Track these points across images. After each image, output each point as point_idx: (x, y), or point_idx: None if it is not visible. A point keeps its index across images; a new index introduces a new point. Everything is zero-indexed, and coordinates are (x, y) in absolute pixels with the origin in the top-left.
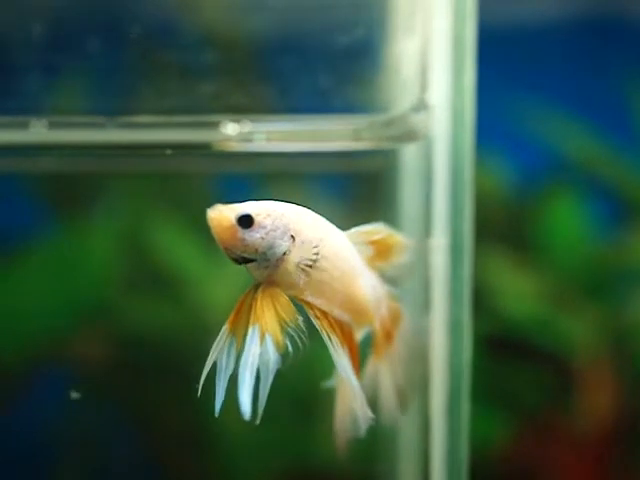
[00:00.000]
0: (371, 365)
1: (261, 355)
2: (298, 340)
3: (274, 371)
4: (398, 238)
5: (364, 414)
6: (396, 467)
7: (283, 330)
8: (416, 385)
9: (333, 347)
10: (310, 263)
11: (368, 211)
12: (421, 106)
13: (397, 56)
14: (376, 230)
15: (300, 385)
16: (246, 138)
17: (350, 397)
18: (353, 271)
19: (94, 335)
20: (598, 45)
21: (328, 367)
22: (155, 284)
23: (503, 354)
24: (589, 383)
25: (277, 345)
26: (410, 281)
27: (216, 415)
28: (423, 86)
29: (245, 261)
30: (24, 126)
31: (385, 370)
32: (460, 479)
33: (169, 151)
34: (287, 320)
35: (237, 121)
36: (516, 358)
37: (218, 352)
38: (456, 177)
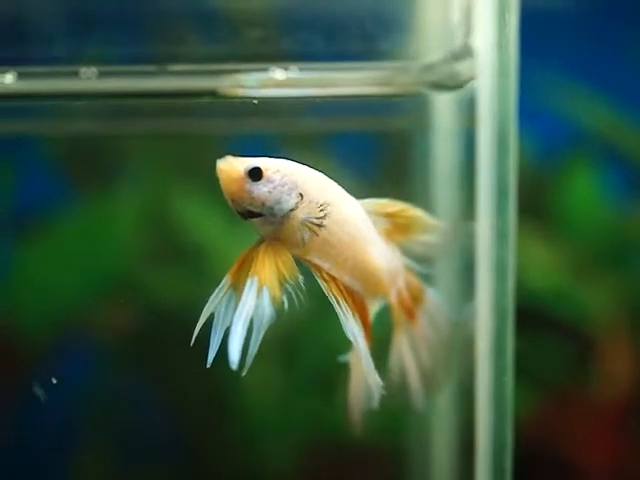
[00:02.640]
0: (396, 343)
1: (257, 307)
2: (295, 297)
3: (267, 325)
4: (418, 213)
5: (374, 382)
6: (428, 440)
7: (282, 286)
8: (449, 369)
9: (341, 311)
10: (316, 222)
11: (398, 175)
12: (464, 52)
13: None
14: (391, 203)
15: (324, 358)
16: (293, 84)
17: (362, 368)
18: (365, 239)
19: (117, 308)
20: (618, 17)
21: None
22: (178, 257)
23: (522, 325)
24: (608, 353)
25: (273, 299)
26: (444, 263)
27: (208, 366)
28: (467, 31)
29: (251, 215)
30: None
31: (406, 348)
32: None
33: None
34: (287, 277)
35: (284, 67)
36: (535, 328)
37: (217, 303)
38: (501, 138)
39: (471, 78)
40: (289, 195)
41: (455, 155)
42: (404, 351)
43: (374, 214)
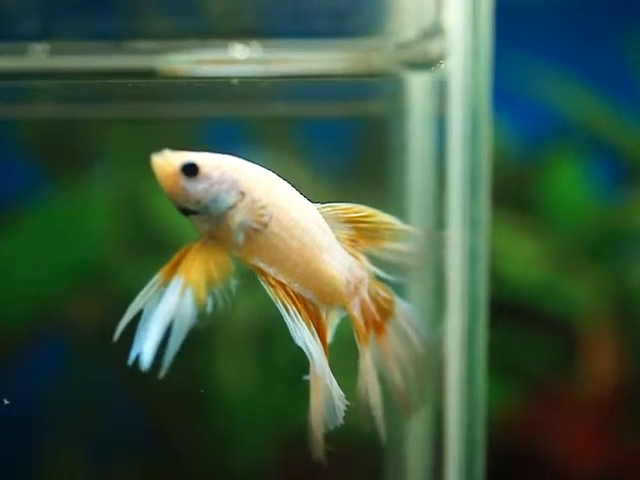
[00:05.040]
0: (361, 359)
1: (178, 308)
2: (221, 301)
3: (188, 326)
4: (387, 219)
5: (334, 393)
6: (403, 434)
7: (209, 288)
8: (423, 389)
9: (290, 317)
10: (255, 224)
11: (372, 161)
12: (435, 30)
13: None
14: (355, 208)
15: (300, 350)
16: (256, 61)
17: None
18: (318, 245)
19: (91, 298)
20: (598, 5)
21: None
22: (152, 247)
23: (505, 318)
24: (592, 347)
25: (197, 301)
26: (417, 275)
27: (129, 363)
28: (439, 8)
29: (188, 212)
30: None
31: (370, 365)
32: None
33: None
34: (217, 278)
35: (246, 44)
36: (518, 322)
37: (146, 300)
38: (474, 121)
39: (442, 58)
40: (227, 193)
41: (430, 140)
42: (368, 368)
43: (333, 220)
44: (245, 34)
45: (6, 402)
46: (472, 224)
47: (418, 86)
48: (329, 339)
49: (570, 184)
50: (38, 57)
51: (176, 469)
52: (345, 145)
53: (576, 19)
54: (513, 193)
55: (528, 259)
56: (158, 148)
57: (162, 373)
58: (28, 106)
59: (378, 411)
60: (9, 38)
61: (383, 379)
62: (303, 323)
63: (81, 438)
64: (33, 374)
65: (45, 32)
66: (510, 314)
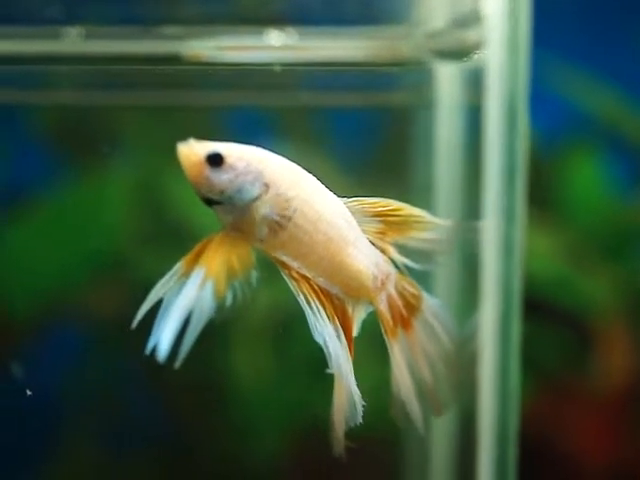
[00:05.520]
0: (391, 356)
1: (197, 299)
2: (241, 294)
3: (206, 318)
4: (415, 211)
5: (354, 392)
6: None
7: (230, 280)
8: (453, 387)
9: (312, 312)
10: (279, 217)
11: (399, 152)
12: (472, 18)
13: None
14: (382, 202)
15: (317, 345)
16: (284, 49)
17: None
18: (344, 239)
19: (109, 289)
20: (624, 3)
21: None
22: (173, 238)
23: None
24: (606, 343)
25: (217, 293)
26: (447, 269)
27: (146, 353)
28: None
29: (212, 202)
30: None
31: (400, 361)
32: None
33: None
34: (238, 271)
35: (281, 30)
36: (533, 317)
37: (166, 289)
38: (511, 112)
39: (478, 47)
40: (251, 184)
41: (460, 132)
42: (398, 363)
43: (360, 213)
44: (273, 21)
45: (29, 393)
46: (508, 215)
47: (448, 76)
48: (355, 333)
49: (588, 180)
50: (73, 41)
51: (191, 461)
52: (372, 136)
53: (597, 15)
54: (531, 188)
55: (544, 254)
56: (181, 137)
57: (178, 364)
58: (48, 92)
59: (412, 406)
60: (34, 22)
61: (413, 376)
62: (326, 318)
63: (97, 429)
64: (49, 365)
65: (70, 17)
66: (525, 309)
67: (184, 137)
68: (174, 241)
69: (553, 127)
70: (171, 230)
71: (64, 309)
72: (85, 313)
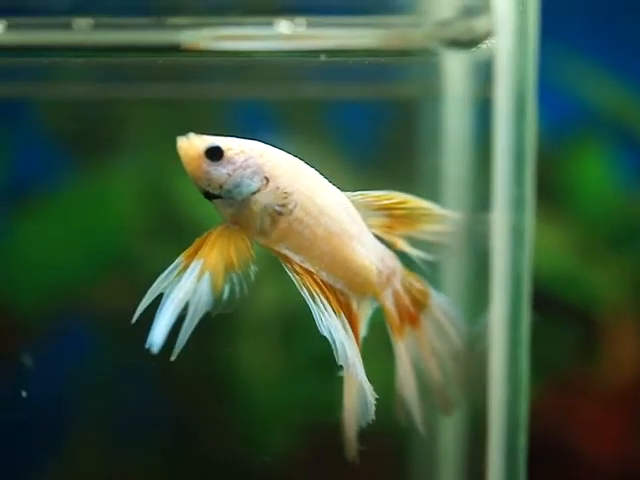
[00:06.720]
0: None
1: (194, 292)
2: (239, 287)
3: (203, 311)
4: (422, 204)
5: (365, 387)
6: (435, 420)
7: (228, 273)
8: (461, 383)
9: (317, 305)
10: (280, 210)
11: (405, 143)
12: (481, 7)
13: None
14: (387, 195)
15: (324, 338)
16: (300, 37)
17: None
18: (346, 233)
19: (115, 285)
20: None
21: None
22: (178, 232)
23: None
24: (614, 337)
25: (214, 286)
26: (455, 251)
27: (146, 346)
28: None
29: (211, 196)
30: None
31: (405, 357)
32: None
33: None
34: (236, 264)
35: (291, 20)
36: (541, 311)
37: (167, 284)
38: (520, 102)
39: (488, 36)
40: (251, 179)
41: (468, 123)
42: (403, 361)
43: (365, 208)
44: (281, 10)
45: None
46: (517, 205)
47: (455, 66)
48: (362, 332)
49: (595, 173)
50: (84, 32)
51: (198, 455)
52: (380, 127)
53: (605, 8)
54: (538, 181)
55: (551, 247)
56: (191, 130)
57: (174, 357)
58: (55, 85)
59: (414, 405)
60: (44, 12)
61: (420, 373)
62: (331, 312)
63: (105, 423)
64: (57, 360)
65: (80, 7)
66: (533, 302)
67: (193, 131)
68: (182, 236)
69: (561, 120)
70: (179, 225)
71: (72, 304)
72: (93, 308)
